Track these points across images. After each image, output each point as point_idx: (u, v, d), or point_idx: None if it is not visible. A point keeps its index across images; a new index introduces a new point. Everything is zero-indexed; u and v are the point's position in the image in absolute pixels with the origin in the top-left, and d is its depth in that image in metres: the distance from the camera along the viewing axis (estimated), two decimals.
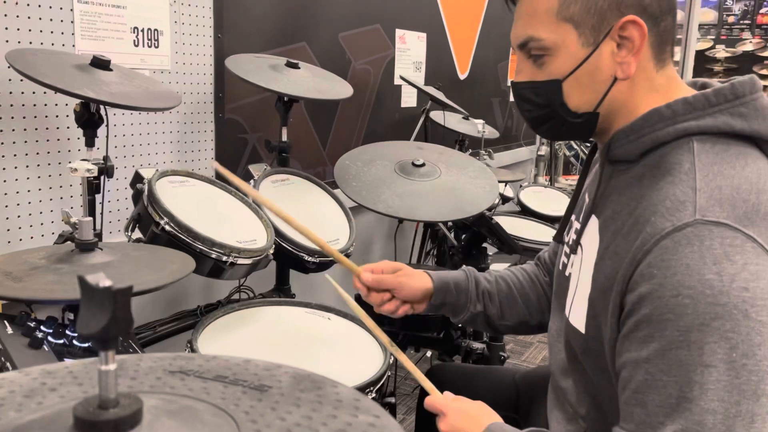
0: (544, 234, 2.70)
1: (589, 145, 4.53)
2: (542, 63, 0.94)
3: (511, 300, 1.27)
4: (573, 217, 1.08)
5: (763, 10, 6.82)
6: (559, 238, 1.10)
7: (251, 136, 2.24)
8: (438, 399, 1.06)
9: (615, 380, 0.89)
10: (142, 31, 1.82)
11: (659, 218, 0.83)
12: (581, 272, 0.98)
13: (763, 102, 0.89)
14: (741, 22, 6.87)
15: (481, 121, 2.97)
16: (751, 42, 6.65)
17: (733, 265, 0.77)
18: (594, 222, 0.97)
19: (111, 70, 1.49)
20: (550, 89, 0.94)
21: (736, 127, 0.87)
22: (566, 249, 1.08)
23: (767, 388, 0.77)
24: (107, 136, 1.58)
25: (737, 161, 0.85)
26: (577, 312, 0.98)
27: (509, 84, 4.26)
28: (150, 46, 1.85)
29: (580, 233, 1.01)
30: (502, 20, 4.01)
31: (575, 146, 4.58)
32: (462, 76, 3.67)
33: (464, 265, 1.32)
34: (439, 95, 2.84)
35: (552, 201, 3.15)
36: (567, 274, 1.06)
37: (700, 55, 6.52)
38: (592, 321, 0.93)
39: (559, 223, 1.12)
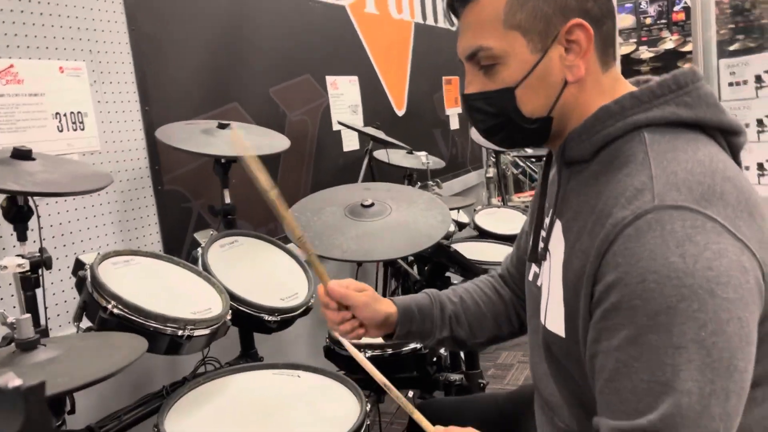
0: (505, 254, 2.67)
1: (534, 160, 4.60)
2: (493, 72, 0.94)
3: (480, 317, 1.25)
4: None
5: (676, 8, 7.10)
6: (533, 257, 1.07)
7: (194, 203, 2.20)
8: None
9: (591, 375, 0.87)
10: (65, 115, 1.77)
11: (620, 209, 0.83)
12: (551, 277, 0.97)
13: (705, 90, 0.90)
14: (658, 22, 7.14)
15: (423, 153, 2.98)
16: (671, 40, 6.90)
17: (696, 246, 0.77)
18: (558, 225, 0.97)
19: (34, 159, 1.44)
20: (503, 98, 0.94)
21: (683, 116, 0.89)
22: None
23: (739, 364, 0.77)
24: (40, 228, 1.52)
25: (688, 147, 0.86)
26: (553, 317, 0.96)
27: (447, 114, 4.32)
28: (75, 130, 1.80)
29: (546, 240, 1.00)
30: (431, 53, 4.08)
31: (521, 163, 4.64)
32: (399, 113, 3.70)
33: (426, 288, 1.29)
34: (379, 134, 2.84)
35: (507, 220, 3.16)
36: (539, 284, 1.04)
37: (625, 58, 6.75)
38: (570, 323, 0.92)
39: (531, 242, 1.07)
